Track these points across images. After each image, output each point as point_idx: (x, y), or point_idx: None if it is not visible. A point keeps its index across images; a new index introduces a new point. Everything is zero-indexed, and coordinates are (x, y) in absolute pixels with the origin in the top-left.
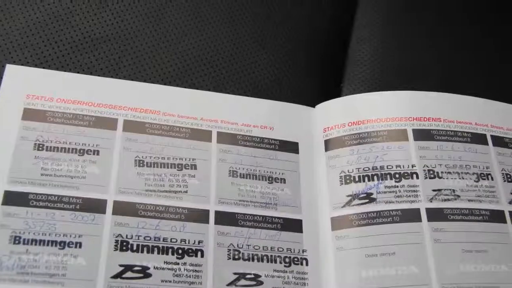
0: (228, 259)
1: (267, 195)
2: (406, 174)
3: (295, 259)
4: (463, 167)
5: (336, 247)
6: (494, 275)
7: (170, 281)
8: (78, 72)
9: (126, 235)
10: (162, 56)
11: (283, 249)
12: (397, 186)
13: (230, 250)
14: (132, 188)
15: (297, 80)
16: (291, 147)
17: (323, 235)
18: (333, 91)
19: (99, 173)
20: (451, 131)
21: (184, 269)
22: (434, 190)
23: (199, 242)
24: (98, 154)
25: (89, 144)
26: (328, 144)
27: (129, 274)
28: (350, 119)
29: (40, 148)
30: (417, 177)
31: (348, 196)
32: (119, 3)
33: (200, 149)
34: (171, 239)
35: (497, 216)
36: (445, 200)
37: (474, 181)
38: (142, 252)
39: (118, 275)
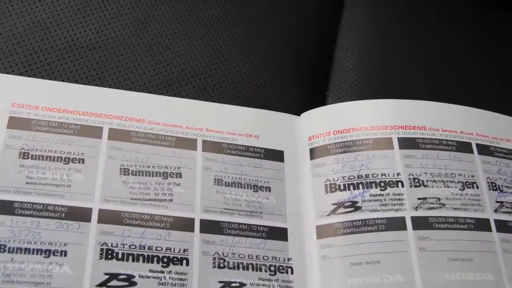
0: (213, 267)
1: (252, 203)
2: (391, 183)
3: (280, 268)
4: (448, 176)
5: (321, 256)
6: (480, 283)
7: None
8: (63, 81)
9: (111, 244)
10: (147, 65)
11: (268, 258)
12: (382, 195)
13: (215, 258)
14: (117, 197)
15: (282, 89)
16: (276, 155)
17: (308, 243)
18: (318, 99)
19: (84, 182)
20: (436, 139)
21: (169, 278)
22: (419, 199)
23: (184, 251)
24: (83, 162)
25: (74, 153)
26: (313, 153)
27: (114, 282)
28: (335, 127)
29: (26, 157)
30: (402, 186)
31: (333, 204)
32: (104, 11)
33: (185, 158)
34: (156, 247)
35: (482, 225)
36: (430, 208)
37: (459, 189)
38: (127, 260)
39: (103, 284)
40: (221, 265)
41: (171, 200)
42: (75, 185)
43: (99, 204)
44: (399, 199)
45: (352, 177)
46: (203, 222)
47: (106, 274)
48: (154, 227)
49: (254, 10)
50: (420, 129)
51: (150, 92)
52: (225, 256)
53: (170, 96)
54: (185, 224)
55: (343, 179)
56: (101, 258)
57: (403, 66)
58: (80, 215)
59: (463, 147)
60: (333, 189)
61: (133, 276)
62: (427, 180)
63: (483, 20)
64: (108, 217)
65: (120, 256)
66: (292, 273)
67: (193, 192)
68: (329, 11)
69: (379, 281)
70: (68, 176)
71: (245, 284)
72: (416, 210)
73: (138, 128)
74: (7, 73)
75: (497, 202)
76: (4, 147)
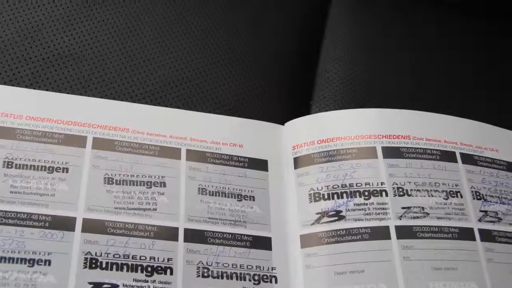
0: (197, 276)
1: (236, 212)
2: (375, 192)
3: (264, 277)
4: (432, 185)
5: (305, 265)
6: None
7: None
8: (47, 90)
9: (95, 253)
10: (131, 74)
11: (252, 267)
12: (366, 204)
13: (199, 267)
14: (101, 206)
15: (266, 98)
16: (260, 164)
17: (292, 252)
18: (302, 109)
19: (68, 191)
20: (420, 148)
21: (154, 287)
22: (403, 208)
23: (168, 260)
24: (67, 171)
25: (58, 162)
26: (297, 162)
27: None
28: (319, 136)
29: (10, 166)
30: (386, 195)
31: (317, 213)
32: (88, 21)
33: (169, 167)
34: (140, 256)
35: (466, 234)
36: (414, 217)
37: (443, 198)
38: (111, 269)
39: None
40: (205, 274)
41: (155, 209)
42: (59, 194)
43: (83, 213)
44: (383, 208)
45: (336, 186)
46: (187, 231)
47: (90, 283)
48: (138, 236)
49: (237, 20)
50: (404, 138)
51: (134, 102)
52: (209, 265)
53: (154, 105)
54: (169, 233)
55: (327, 188)
56: (85, 267)
57: (387, 75)
58: (64, 224)
59: (447, 156)
60: (317, 198)
61: (117, 286)
62: (411, 189)
63: (469, 30)
64: (92, 226)
65: (104, 265)
66: (276, 282)
67: (177, 201)
68: (314, 20)
69: None
70: (52, 185)
71: None
72: (400, 219)
73: (122, 137)
74: None
75: (481, 211)
76: None
